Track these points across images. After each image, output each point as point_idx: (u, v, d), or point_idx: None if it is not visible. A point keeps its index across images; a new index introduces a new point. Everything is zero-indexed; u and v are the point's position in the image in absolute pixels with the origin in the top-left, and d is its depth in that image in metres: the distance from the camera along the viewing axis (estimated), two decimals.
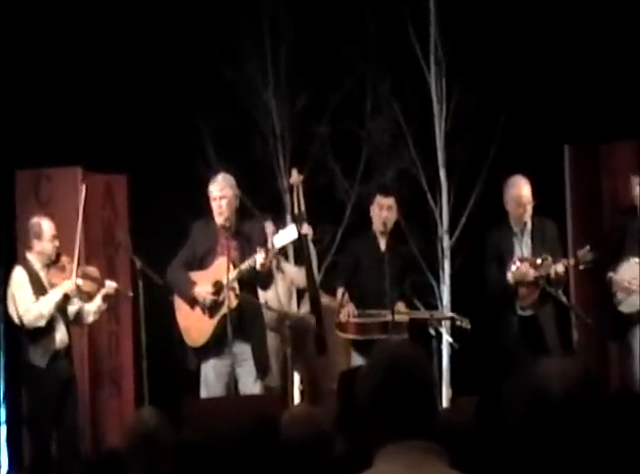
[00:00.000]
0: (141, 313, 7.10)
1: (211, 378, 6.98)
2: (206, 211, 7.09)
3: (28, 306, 6.98)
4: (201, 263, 7.05)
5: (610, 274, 7.40)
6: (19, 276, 7.07)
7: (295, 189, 7.12)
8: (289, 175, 7.37)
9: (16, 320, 7.04)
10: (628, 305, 7.37)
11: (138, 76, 8.81)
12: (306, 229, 7.05)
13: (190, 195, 7.64)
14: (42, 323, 6.98)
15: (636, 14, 8.15)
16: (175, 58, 8.80)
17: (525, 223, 7.37)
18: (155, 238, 7.72)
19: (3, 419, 7.93)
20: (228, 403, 6.72)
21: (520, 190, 7.32)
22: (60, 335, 7.07)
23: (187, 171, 8.45)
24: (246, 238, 7.03)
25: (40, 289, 7.05)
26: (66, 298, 7.06)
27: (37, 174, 8.17)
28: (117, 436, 7.20)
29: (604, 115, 8.28)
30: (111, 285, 7.14)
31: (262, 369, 7.00)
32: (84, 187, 7.33)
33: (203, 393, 7.00)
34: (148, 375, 7.06)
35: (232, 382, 6.94)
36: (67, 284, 7.04)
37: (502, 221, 7.46)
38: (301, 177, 7.14)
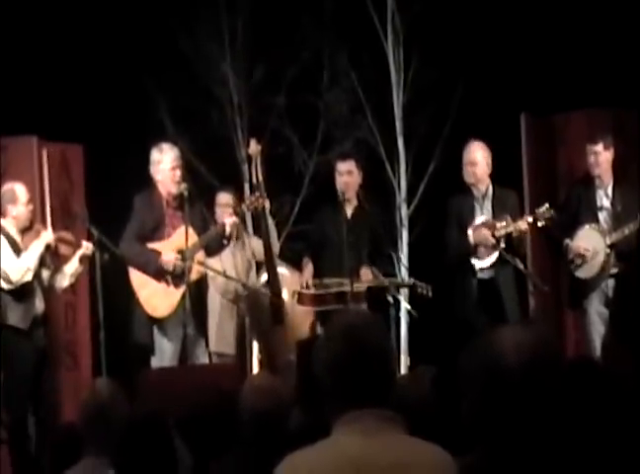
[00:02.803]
0: (98, 284, 7.05)
1: (167, 349, 7.02)
2: (149, 183, 7.08)
3: (12, 264, 6.97)
4: (153, 234, 7.02)
5: (567, 241, 7.46)
6: None
7: (254, 159, 7.09)
8: (248, 145, 7.33)
9: (1, 282, 6.99)
10: (584, 271, 7.43)
11: (95, 46, 8.72)
12: (265, 203, 7.04)
13: (147, 165, 7.58)
14: (30, 277, 6.98)
15: None
16: (131, 29, 8.71)
17: (487, 190, 7.44)
18: (112, 208, 7.65)
19: None
20: (184, 373, 6.71)
21: (471, 151, 7.42)
22: (38, 300, 7.08)
23: (144, 141, 8.37)
24: (194, 208, 7.01)
25: (17, 253, 7.03)
26: (46, 250, 7.01)
27: None
28: (73, 410, 7.15)
29: (560, 84, 8.31)
30: (87, 246, 7.08)
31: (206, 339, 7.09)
32: (44, 156, 7.31)
33: (156, 364, 6.99)
34: (106, 348, 7.02)
35: (186, 354, 6.94)
36: (46, 236, 7.04)
37: (461, 189, 7.51)
38: (259, 147, 7.11)
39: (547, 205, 7.22)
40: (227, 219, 6.91)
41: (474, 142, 7.48)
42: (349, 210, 7.48)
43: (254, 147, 7.11)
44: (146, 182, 7.35)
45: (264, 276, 7.33)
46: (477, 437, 2.26)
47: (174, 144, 7.20)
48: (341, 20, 8.92)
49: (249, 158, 7.34)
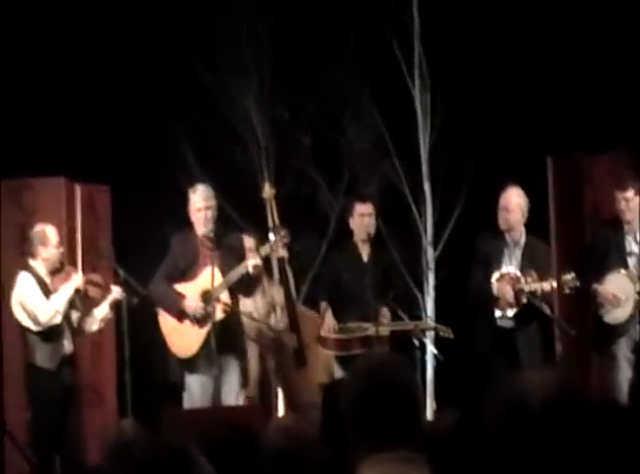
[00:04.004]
0: (124, 324, 7.10)
1: (196, 389, 7.00)
2: (186, 222, 7.12)
3: (42, 305, 7.02)
4: (185, 274, 7.07)
5: (595, 285, 7.44)
6: (26, 281, 7.10)
7: (269, 202, 7.15)
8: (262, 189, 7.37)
9: (28, 323, 7.05)
10: (613, 316, 7.41)
11: (120, 87, 8.83)
12: (282, 252, 7.08)
13: (172, 205, 7.67)
14: (59, 319, 7.02)
15: (616, 25, 8.22)
16: (156, 69, 8.83)
17: (519, 238, 7.44)
18: (138, 248, 7.73)
19: None
20: (210, 414, 6.72)
21: (507, 197, 7.40)
22: (67, 341, 7.12)
23: (169, 181, 8.47)
24: (228, 248, 7.06)
25: (47, 294, 7.08)
26: (76, 294, 7.07)
27: (20, 184, 8.18)
28: (98, 449, 7.17)
29: (587, 126, 8.33)
30: (118, 290, 7.13)
31: (245, 378, 7.05)
32: (78, 197, 7.42)
33: (187, 404, 7.00)
34: (132, 387, 7.05)
35: (217, 394, 6.96)
36: (76, 280, 7.09)
37: (489, 231, 7.53)
38: (274, 191, 7.18)
39: (574, 274, 7.22)
40: (250, 261, 6.94)
41: (511, 188, 7.41)
42: (364, 252, 7.51)
43: (268, 191, 7.17)
44: (171, 221, 7.43)
45: (284, 320, 7.37)
46: None
47: (207, 186, 7.23)
48: (367, 62, 9.00)
49: (265, 201, 7.36)
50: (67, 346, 7.14)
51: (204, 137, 8.91)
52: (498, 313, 7.36)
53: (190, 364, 7.04)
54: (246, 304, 7.40)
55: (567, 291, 7.28)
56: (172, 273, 7.07)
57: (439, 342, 7.83)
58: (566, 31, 8.50)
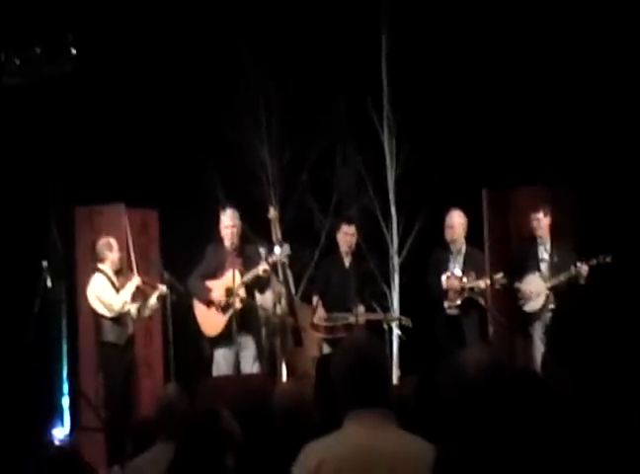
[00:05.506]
0: (169, 313, 7.16)
1: (221, 362, 7.05)
2: (216, 236, 7.17)
3: (114, 298, 7.16)
4: (215, 274, 7.12)
5: (517, 284, 7.50)
6: (100, 280, 7.23)
7: (272, 222, 7.19)
8: (268, 212, 7.40)
9: (104, 311, 7.17)
10: (530, 306, 7.48)
11: (169, 141, 8.89)
12: (284, 259, 7.13)
13: (204, 225, 7.71)
14: (127, 308, 7.20)
15: (546, 86, 8.27)
16: (194, 126, 8.89)
17: (461, 248, 7.53)
18: (179, 257, 7.77)
19: (67, 391, 7.94)
20: (232, 380, 6.75)
21: (451, 217, 7.54)
22: (129, 324, 7.24)
23: (202, 208, 8.51)
24: (247, 257, 7.11)
25: (117, 290, 7.23)
26: (135, 290, 7.24)
27: (90, 209, 8.22)
28: (149, 407, 7.18)
29: (513, 167, 8.38)
30: (163, 287, 7.23)
31: (260, 353, 7.08)
32: (127, 220, 7.47)
33: (215, 373, 7.04)
34: (174, 360, 7.11)
35: (237, 364, 6.99)
36: (135, 280, 7.27)
37: (440, 244, 7.61)
38: (277, 212, 7.25)
39: (502, 274, 7.31)
40: (261, 266, 6.96)
41: (454, 210, 7.58)
42: (347, 261, 7.58)
43: (272, 213, 7.23)
44: (203, 237, 7.47)
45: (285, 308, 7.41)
46: (451, 430, 2.31)
47: (234, 209, 7.27)
48: (350, 117, 9.05)
49: (270, 221, 7.38)
50: (130, 328, 7.22)
51: (230, 177, 8.96)
52: (446, 304, 7.44)
53: (216, 342, 7.07)
54: (260, 298, 7.43)
55: (497, 287, 7.36)
56: (205, 272, 7.14)
57: (402, 326, 7.87)
58: (497, 96, 8.56)
